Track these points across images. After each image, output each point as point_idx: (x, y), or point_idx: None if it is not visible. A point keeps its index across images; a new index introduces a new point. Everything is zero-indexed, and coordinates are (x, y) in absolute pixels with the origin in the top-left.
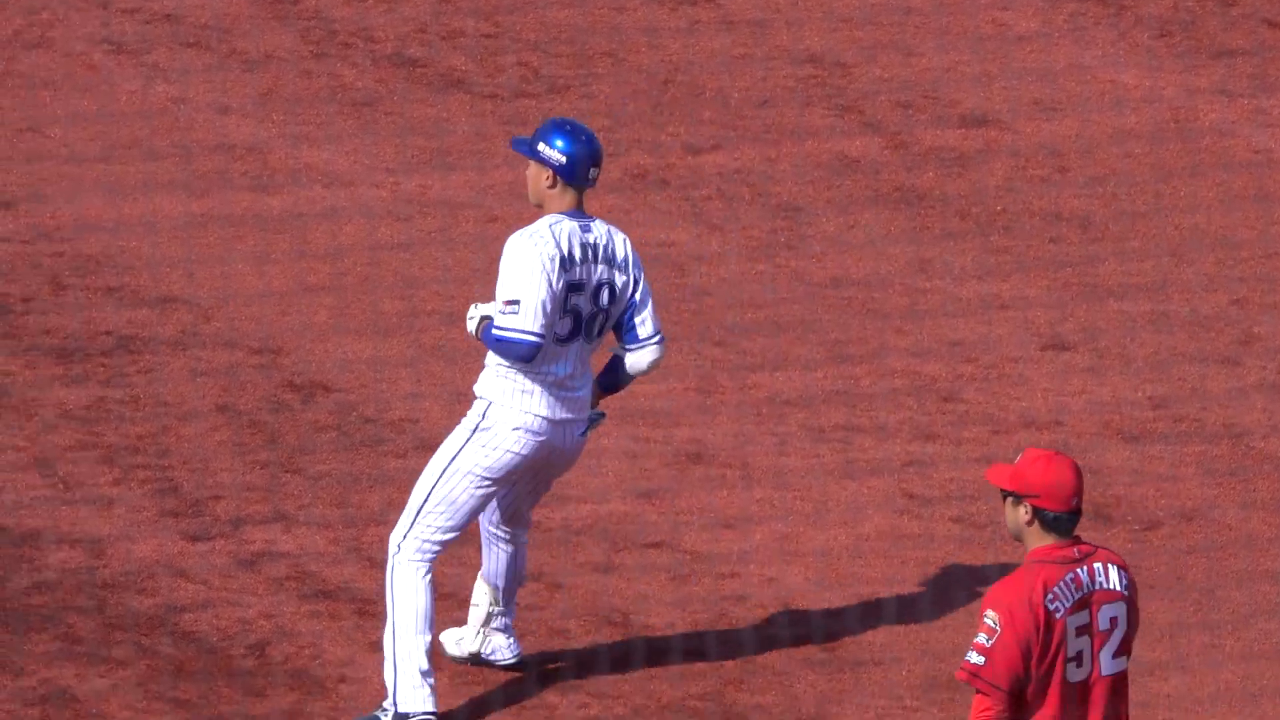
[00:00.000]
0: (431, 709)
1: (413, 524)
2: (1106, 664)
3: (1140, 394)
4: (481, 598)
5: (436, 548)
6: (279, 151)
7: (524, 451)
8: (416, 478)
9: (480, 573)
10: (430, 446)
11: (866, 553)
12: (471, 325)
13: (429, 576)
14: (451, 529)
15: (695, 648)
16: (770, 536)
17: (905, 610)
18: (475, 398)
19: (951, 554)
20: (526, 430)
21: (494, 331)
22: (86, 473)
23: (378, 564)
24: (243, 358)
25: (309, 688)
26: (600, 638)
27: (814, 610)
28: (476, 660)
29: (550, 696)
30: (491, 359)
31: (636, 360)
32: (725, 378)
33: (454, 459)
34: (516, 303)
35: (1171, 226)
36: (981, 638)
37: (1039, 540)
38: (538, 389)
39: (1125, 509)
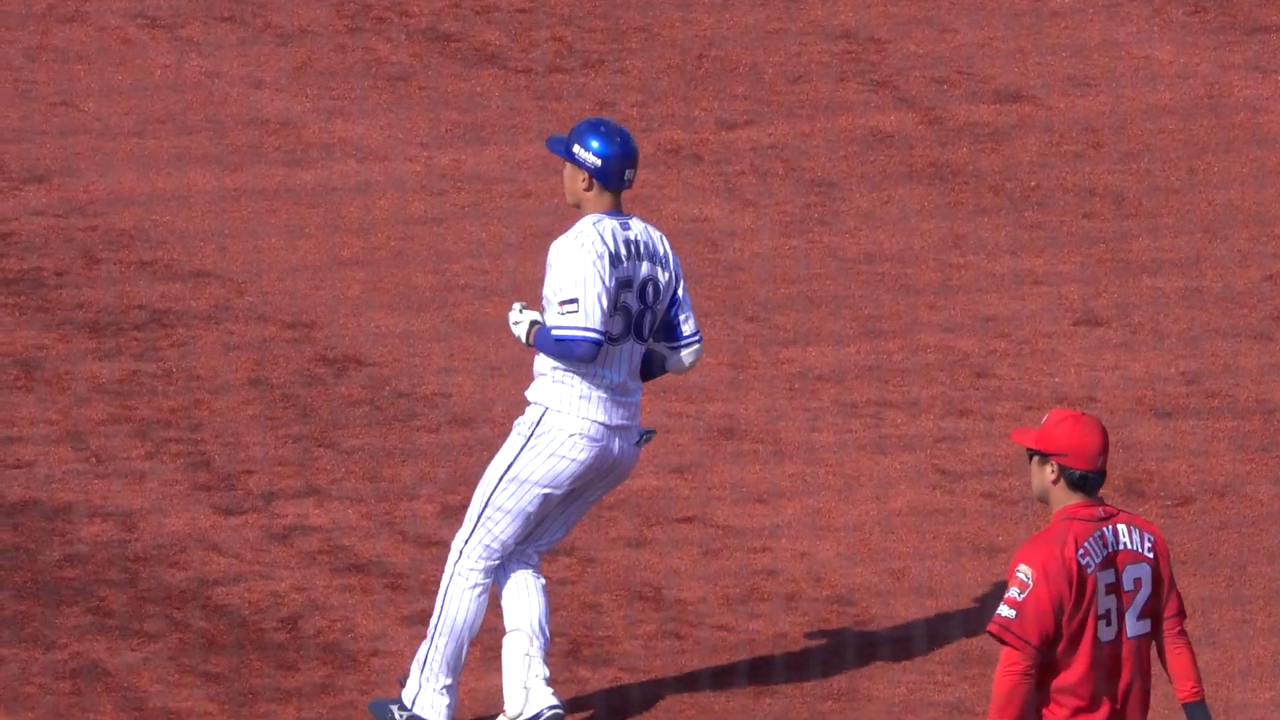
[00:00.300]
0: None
1: (473, 530)
2: (1131, 625)
3: (1173, 369)
4: (515, 649)
5: (495, 559)
6: (312, 125)
7: (581, 458)
8: (448, 452)
9: (509, 624)
10: (462, 421)
11: (897, 528)
12: (520, 331)
13: (483, 592)
14: (509, 538)
15: (726, 622)
16: (801, 511)
17: (936, 585)
18: (529, 404)
19: (983, 529)
20: (584, 436)
21: (554, 334)
22: (119, 446)
23: (410, 538)
24: (275, 332)
25: (340, 661)
26: (632, 612)
27: (844, 585)
28: None
29: (582, 671)
30: (544, 365)
31: (680, 359)
32: (757, 352)
33: (510, 466)
34: (574, 301)
35: (1204, 202)
36: (1014, 592)
37: (1064, 499)
38: (594, 394)
39: (1157, 484)
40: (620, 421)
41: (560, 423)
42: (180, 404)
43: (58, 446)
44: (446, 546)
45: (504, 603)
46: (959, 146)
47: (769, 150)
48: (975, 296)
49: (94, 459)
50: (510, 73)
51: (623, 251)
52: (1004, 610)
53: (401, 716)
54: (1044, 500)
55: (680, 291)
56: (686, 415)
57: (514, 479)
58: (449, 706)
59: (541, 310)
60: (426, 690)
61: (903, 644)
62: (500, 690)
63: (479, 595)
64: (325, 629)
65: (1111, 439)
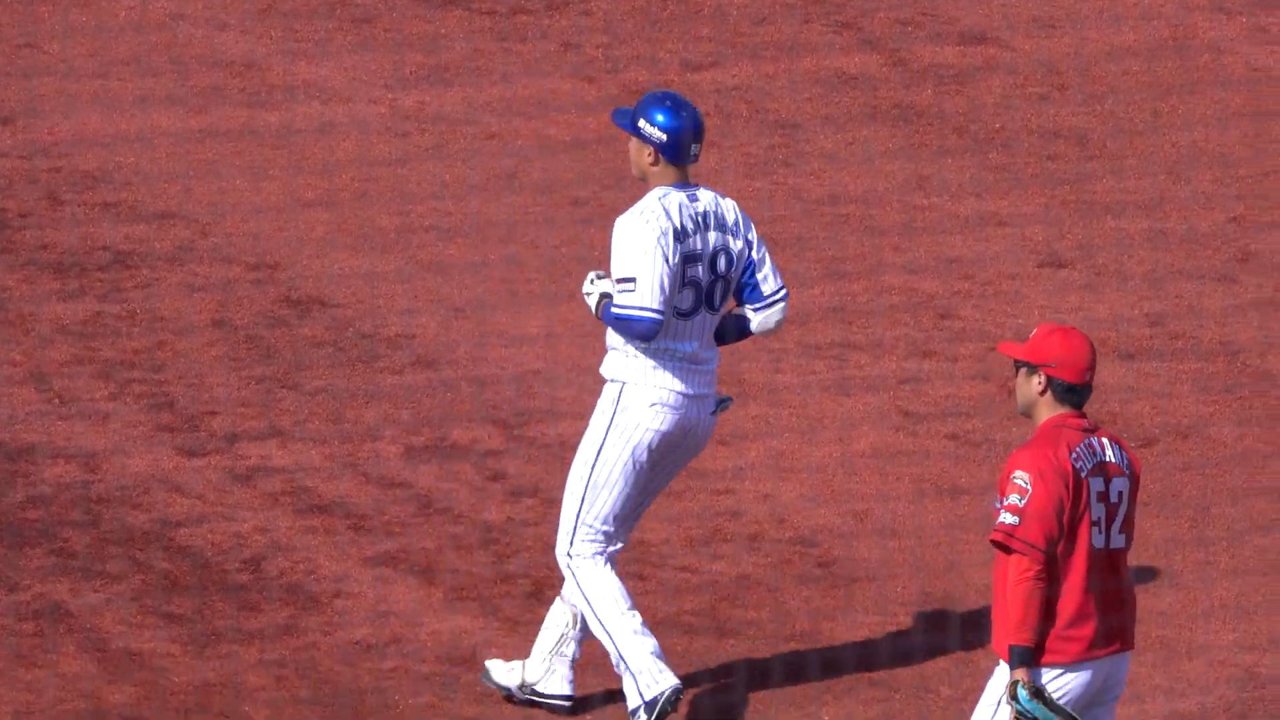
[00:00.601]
0: (674, 682)
1: (575, 528)
2: (1114, 537)
3: (1136, 311)
4: (557, 620)
5: (603, 538)
6: (276, 67)
7: (664, 428)
8: (411, 394)
9: (562, 594)
10: (426, 362)
11: (860, 469)
12: (591, 302)
13: (606, 559)
14: (612, 516)
15: (689, 563)
16: (765, 453)
17: (898, 526)
18: (606, 382)
19: (945, 470)
20: (664, 405)
21: (613, 310)
22: (82, 387)
23: (373, 480)
24: (239, 273)
25: (303, 602)
26: None
27: (807, 526)
28: (524, 691)
29: (543, 612)
30: (615, 340)
31: (765, 319)
32: None
33: (600, 450)
34: (632, 280)
35: (1168, 144)
36: (1014, 499)
37: (1051, 411)
38: (668, 364)
39: (1120, 425)
40: (698, 390)
41: (640, 394)
42: (143, 345)
43: (21, 388)
44: (410, 487)
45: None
46: (923, 88)
47: (733, 92)
48: (939, 238)
49: (57, 400)
50: (474, 14)
51: (689, 225)
52: (1007, 518)
53: (652, 714)
54: (1027, 414)
55: (756, 254)
56: None
57: (605, 462)
58: (667, 667)
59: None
60: (644, 673)
61: (865, 585)
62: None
63: (605, 566)
64: (288, 570)
65: None
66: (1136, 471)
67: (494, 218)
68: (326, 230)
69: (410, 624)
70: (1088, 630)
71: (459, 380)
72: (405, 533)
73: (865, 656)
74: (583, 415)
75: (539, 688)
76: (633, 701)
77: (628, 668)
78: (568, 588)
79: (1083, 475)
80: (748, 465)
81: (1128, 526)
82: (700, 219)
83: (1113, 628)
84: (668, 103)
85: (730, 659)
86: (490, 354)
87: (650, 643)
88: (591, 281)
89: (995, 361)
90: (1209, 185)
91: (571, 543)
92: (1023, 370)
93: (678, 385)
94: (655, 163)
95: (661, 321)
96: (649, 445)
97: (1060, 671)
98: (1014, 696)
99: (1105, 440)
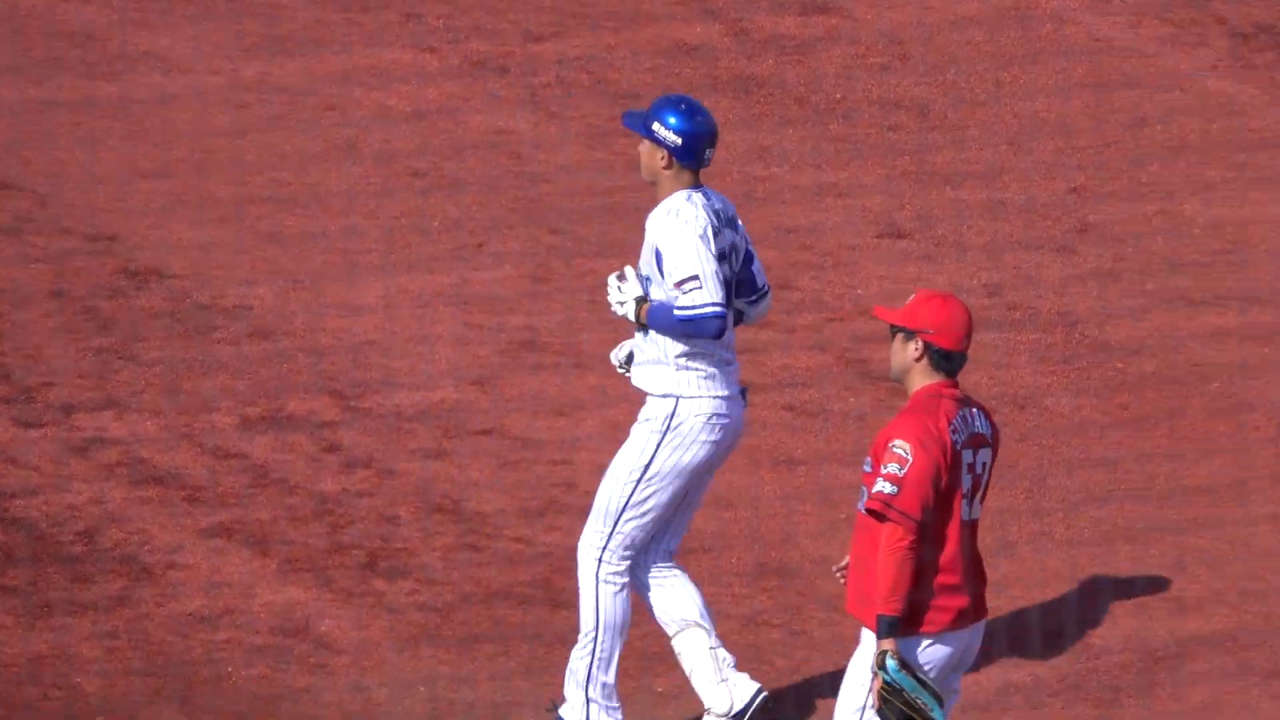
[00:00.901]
0: None
1: (611, 533)
2: (976, 508)
3: (975, 281)
4: (693, 648)
5: (632, 557)
6: (115, 38)
7: (716, 438)
8: (248, 365)
9: (672, 624)
10: (263, 333)
11: None
12: (629, 310)
13: (626, 588)
14: (645, 536)
15: (524, 534)
16: (600, 423)
17: (734, 497)
18: (651, 396)
19: (782, 441)
20: (717, 415)
21: (678, 314)
22: None
23: (208, 450)
24: (76, 244)
25: (136, 574)
26: (430, 524)
27: None
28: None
29: (378, 583)
30: (661, 352)
31: (759, 311)
32: (559, 263)
33: (649, 465)
34: (695, 278)
35: (1009, 114)
36: (893, 468)
37: (926, 378)
38: (715, 371)
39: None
40: (736, 390)
41: (694, 408)
42: None
43: None
44: (245, 458)
45: (657, 606)
46: (764, 58)
47: (574, 62)
48: (778, 208)
49: None
50: None
51: (715, 223)
52: (885, 486)
53: None
54: (901, 380)
55: (751, 248)
56: (486, 327)
57: (654, 476)
58: (619, 711)
59: (643, 283)
60: (596, 709)
61: (700, 555)
62: (689, 691)
63: (625, 594)
64: (122, 541)
65: None
66: (997, 442)
67: (333, 188)
68: (165, 201)
69: (244, 595)
70: (959, 601)
71: (295, 351)
72: (240, 504)
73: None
74: (420, 386)
75: (737, 708)
76: (572, 717)
77: (585, 694)
78: (587, 589)
79: (958, 447)
80: (584, 436)
81: (984, 497)
82: (720, 217)
83: (976, 598)
84: (682, 106)
85: (564, 630)
86: (327, 325)
87: (613, 685)
88: (619, 289)
89: (832, 332)
90: (1049, 155)
91: (605, 547)
92: (899, 336)
93: (724, 391)
94: (668, 166)
95: (727, 314)
96: (703, 459)
97: (930, 641)
98: (882, 666)
99: (976, 410)
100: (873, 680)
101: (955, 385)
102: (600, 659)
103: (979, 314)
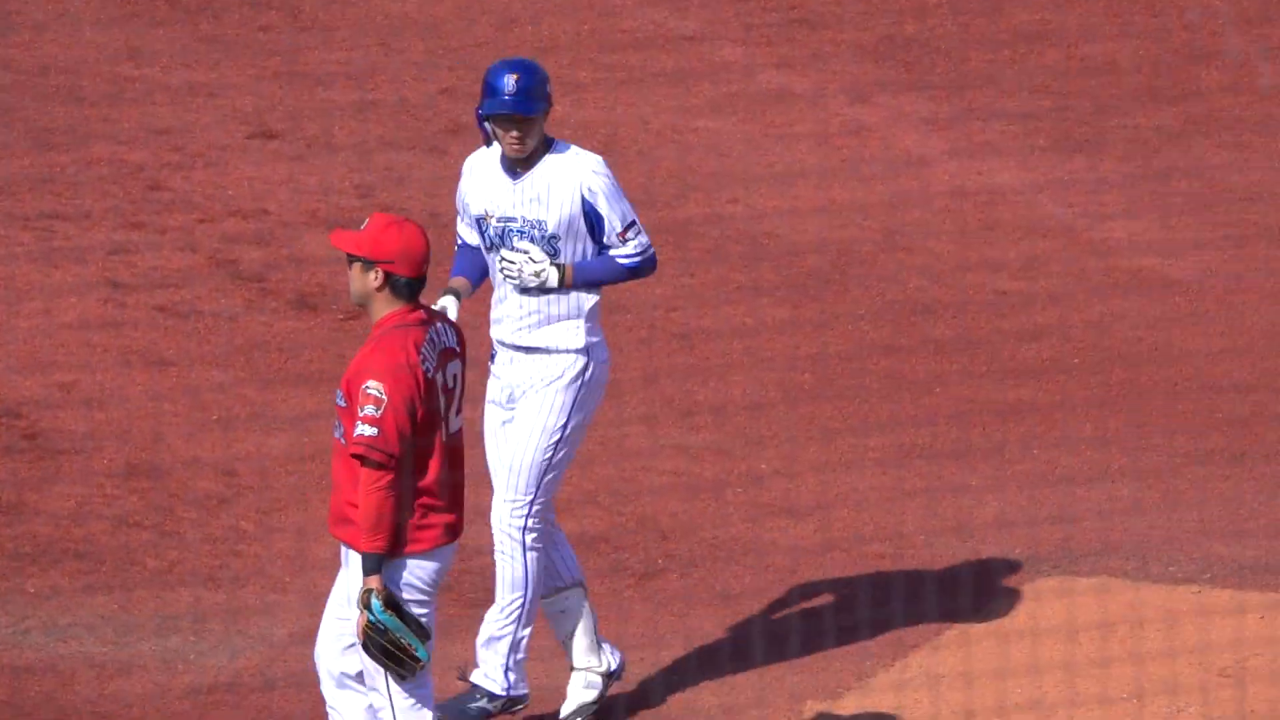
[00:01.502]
0: (526, 694)
1: (532, 502)
2: (454, 421)
3: (345, 182)
4: (579, 606)
5: (545, 520)
6: None
7: (606, 379)
8: None
9: (554, 582)
10: None
11: (66, 340)
12: (549, 278)
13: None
14: (558, 491)
15: None
16: None
17: (104, 397)
18: (556, 353)
19: (154, 341)
20: (608, 359)
21: (625, 263)
22: None
23: None
24: None
25: None
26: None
27: (13, 398)
28: (612, 678)
29: None
30: (572, 307)
31: None
32: None
33: (567, 425)
34: (634, 222)
35: (380, 14)
36: (369, 409)
37: (388, 306)
38: (598, 314)
39: (330, 297)
40: None
41: (600, 356)
42: None
43: None
44: None
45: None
46: None
47: None
48: (148, 109)
49: None
50: None
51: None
52: (365, 429)
53: (496, 706)
54: (363, 305)
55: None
56: None
57: (572, 432)
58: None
59: (552, 253)
60: (515, 674)
61: (71, 457)
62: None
63: (541, 561)
64: None
65: (284, 253)
66: (465, 347)
67: None
68: None
69: None
70: (444, 519)
71: None
72: None
73: (70, 529)
74: None
75: (614, 667)
76: (492, 686)
77: (510, 656)
78: (515, 561)
79: (430, 374)
80: None
81: (460, 407)
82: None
83: (459, 516)
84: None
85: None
86: None
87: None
88: (531, 259)
89: (203, 233)
90: (420, 56)
91: (529, 514)
92: (358, 264)
93: (602, 331)
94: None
95: None
96: (599, 401)
97: (418, 559)
98: (367, 605)
99: (441, 326)
100: (359, 618)
101: (418, 307)
102: (524, 621)
103: (349, 214)
